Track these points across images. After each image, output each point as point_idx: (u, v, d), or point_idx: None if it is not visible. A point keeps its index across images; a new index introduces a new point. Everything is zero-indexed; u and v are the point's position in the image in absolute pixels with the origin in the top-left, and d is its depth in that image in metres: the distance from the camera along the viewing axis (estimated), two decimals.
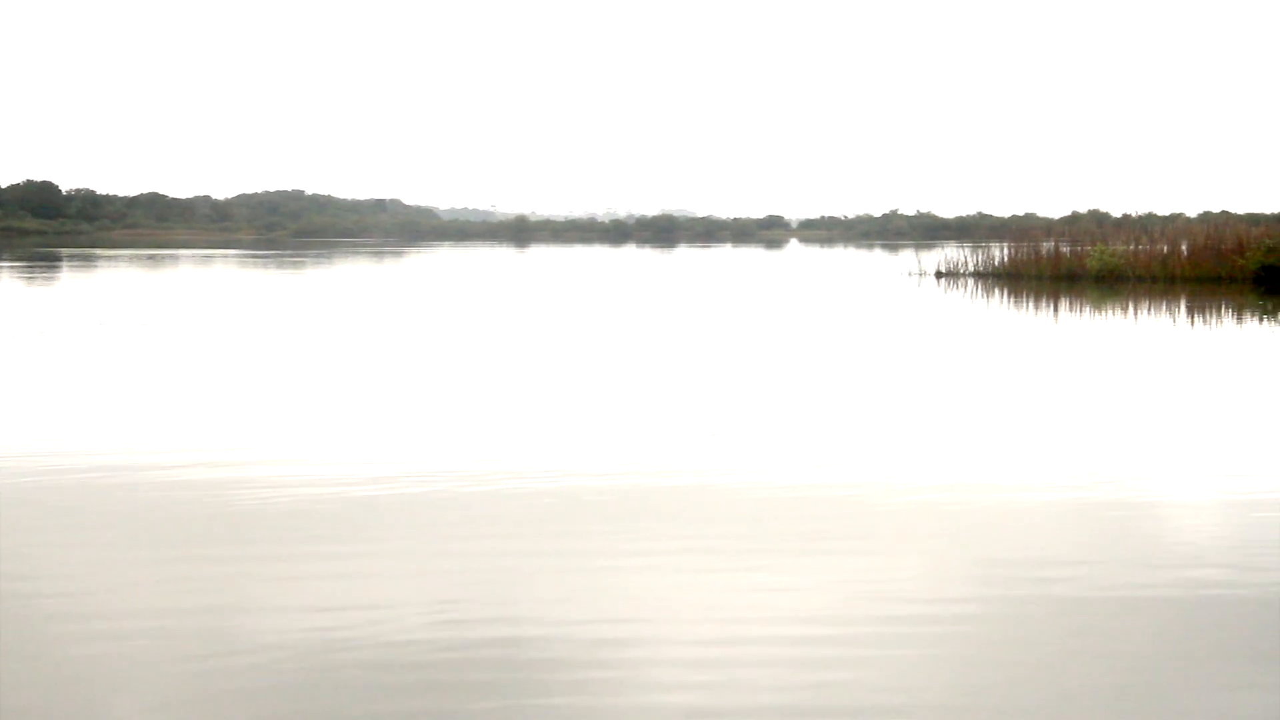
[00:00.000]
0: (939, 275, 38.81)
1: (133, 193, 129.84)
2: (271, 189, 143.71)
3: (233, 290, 34.43)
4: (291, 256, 65.30)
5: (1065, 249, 36.42)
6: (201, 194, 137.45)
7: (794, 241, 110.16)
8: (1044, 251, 36.12)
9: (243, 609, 6.48)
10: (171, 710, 5.22)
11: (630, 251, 78.42)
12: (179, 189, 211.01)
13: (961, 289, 34.41)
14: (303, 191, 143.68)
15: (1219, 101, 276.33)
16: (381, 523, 8.12)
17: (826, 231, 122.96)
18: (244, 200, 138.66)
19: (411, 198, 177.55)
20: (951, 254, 39.65)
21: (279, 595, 6.68)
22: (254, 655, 5.78)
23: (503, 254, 72.92)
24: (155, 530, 7.95)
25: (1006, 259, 37.29)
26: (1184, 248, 34.31)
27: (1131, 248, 35.48)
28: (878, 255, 40.01)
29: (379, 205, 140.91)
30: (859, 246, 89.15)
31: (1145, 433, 11.42)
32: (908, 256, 40.69)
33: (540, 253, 75.21)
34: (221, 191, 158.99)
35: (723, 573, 7.04)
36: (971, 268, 38.21)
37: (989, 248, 38.72)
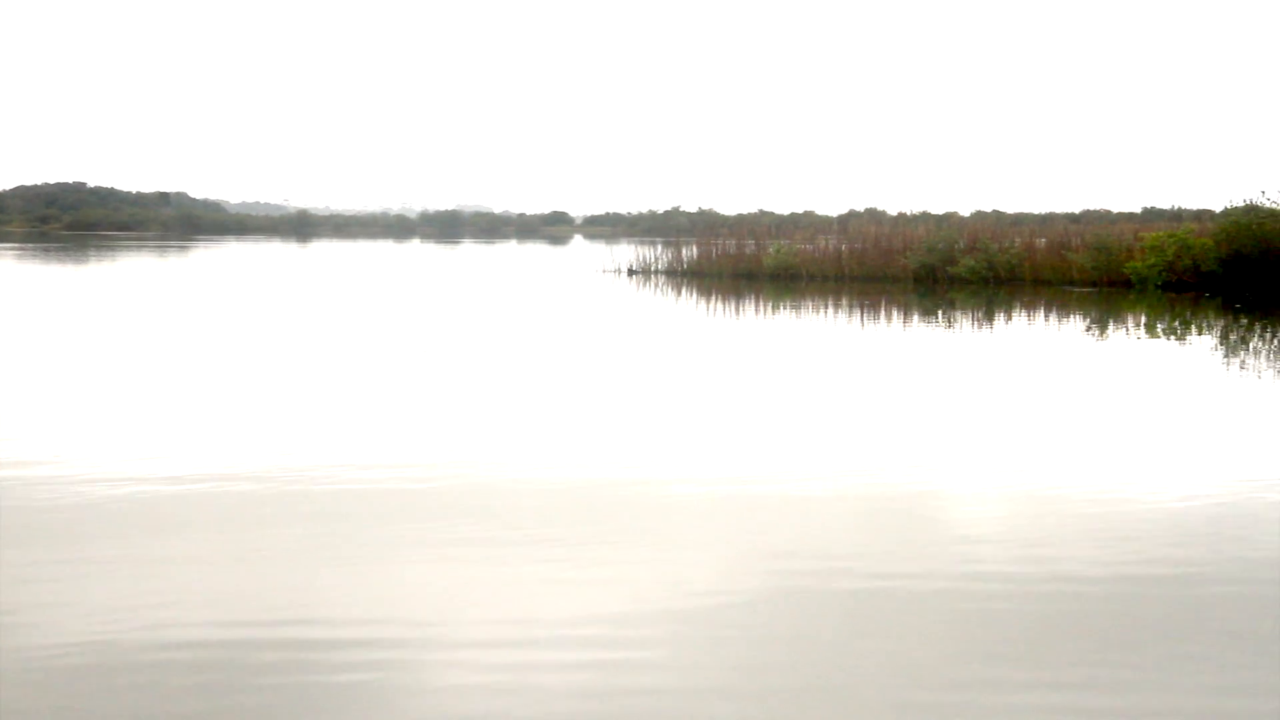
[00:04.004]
0: (630, 272, 40.19)
1: None
2: (52, 181, 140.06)
3: None
4: (35, 251, 63.77)
5: (750, 245, 38.08)
6: None
7: (578, 238, 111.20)
8: (729, 249, 37.73)
9: (25, 607, 6.39)
10: None
11: (410, 248, 78.28)
12: None
13: (650, 285, 35.72)
14: (84, 184, 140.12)
15: (994, 101, 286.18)
16: (171, 520, 8.06)
17: (611, 228, 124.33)
18: (20, 192, 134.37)
19: (202, 191, 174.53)
20: (644, 251, 40.95)
21: (61, 593, 6.60)
22: (35, 653, 5.76)
23: (273, 250, 72.10)
24: None
25: (694, 257, 38.85)
26: (855, 247, 36.18)
27: (806, 246, 37.25)
28: (630, 250, 41.47)
29: (163, 198, 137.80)
30: (641, 243, 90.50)
31: (905, 423, 11.91)
32: (634, 252, 41.86)
33: (317, 249, 74.42)
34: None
35: (513, 570, 7.05)
36: (662, 265, 39.71)
37: (678, 246, 40.21)
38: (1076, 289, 32.08)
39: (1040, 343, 20.07)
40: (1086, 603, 6.63)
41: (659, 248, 40.67)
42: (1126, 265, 32.01)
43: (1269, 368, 16.77)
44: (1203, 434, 11.67)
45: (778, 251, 36.21)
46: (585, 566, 7.17)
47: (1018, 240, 34.71)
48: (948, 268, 34.03)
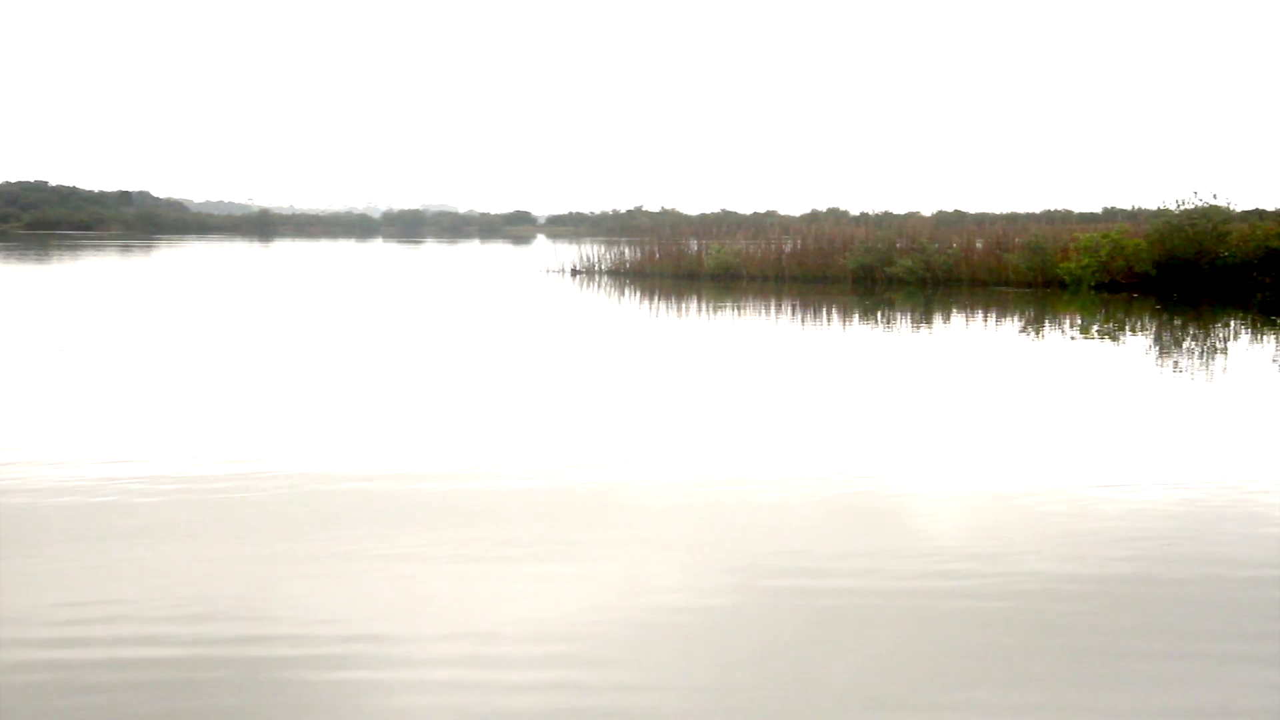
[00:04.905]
0: (574, 272, 40.38)
1: None
2: (13, 180, 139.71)
3: None
4: None
5: (694, 246, 38.37)
6: None
7: (541, 237, 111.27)
8: (671, 250, 38.02)
9: None
10: None
11: (371, 247, 78.17)
12: None
13: (593, 285, 35.86)
14: (46, 183, 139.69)
15: (961, 101, 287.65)
16: (134, 523, 8.05)
17: (573, 228, 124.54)
18: None
19: (165, 190, 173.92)
20: (587, 251, 41.04)
21: (23, 593, 6.62)
22: None
23: (233, 250, 71.91)
24: None
25: (638, 257, 39.11)
26: (795, 247, 36.45)
27: (746, 247, 37.48)
28: (578, 250, 41.33)
29: (124, 197, 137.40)
30: (602, 242, 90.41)
31: (866, 426, 11.91)
32: (578, 252, 41.90)
33: (278, 249, 74.14)
34: None
35: (479, 575, 7.04)
36: (606, 265, 39.95)
37: (623, 246, 40.51)
38: (1011, 289, 32.41)
39: (984, 343, 20.33)
40: (1053, 602, 6.70)
41: (603, 248, 40.84)
42: (1060, 266, 32.34)
43: (1202, 367, 17.01)
44: (1157, 434, 11.83)
45: (718, 252, 36.42)
46: (551, 569, 7.19)
47: (955, 242, 35.02)
48: (885, 268, 34.30)
